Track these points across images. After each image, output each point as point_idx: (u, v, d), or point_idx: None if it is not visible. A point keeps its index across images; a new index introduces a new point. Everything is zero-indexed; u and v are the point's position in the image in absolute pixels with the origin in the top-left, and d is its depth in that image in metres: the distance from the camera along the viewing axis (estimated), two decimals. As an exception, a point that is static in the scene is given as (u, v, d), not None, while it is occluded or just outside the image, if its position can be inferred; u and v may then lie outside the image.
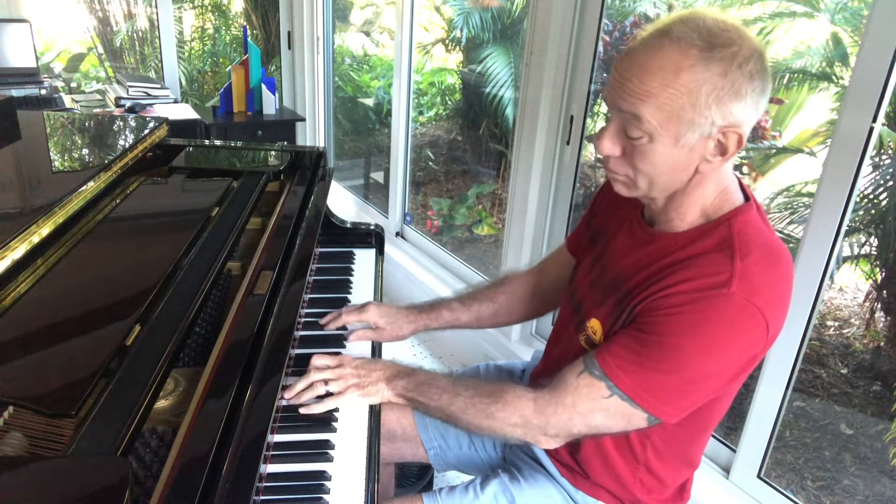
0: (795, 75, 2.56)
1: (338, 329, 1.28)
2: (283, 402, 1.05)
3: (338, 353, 1.16)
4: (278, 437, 0.98)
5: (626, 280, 0.96)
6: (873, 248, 2.48)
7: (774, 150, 2.84)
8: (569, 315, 1.11)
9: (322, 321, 1.29)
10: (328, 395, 1.06)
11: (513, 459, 1.21)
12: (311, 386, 1.06)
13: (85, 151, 1.48)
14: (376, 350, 1.28)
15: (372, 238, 1.66)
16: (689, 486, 1.14)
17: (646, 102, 0.81)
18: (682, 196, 0.91)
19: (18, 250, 0.90)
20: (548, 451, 1.13)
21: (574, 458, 1.08)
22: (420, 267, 2.89)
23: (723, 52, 0.79)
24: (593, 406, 0.92)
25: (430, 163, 4.66)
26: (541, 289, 1.32)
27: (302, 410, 1.04)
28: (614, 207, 1.09)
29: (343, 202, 3.76)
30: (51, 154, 1.42)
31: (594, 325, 1.00)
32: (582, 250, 1.18)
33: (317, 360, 1.09)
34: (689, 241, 0.91)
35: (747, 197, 0.94)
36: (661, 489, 1.07)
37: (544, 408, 0.95)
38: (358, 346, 1.26)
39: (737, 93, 0.80)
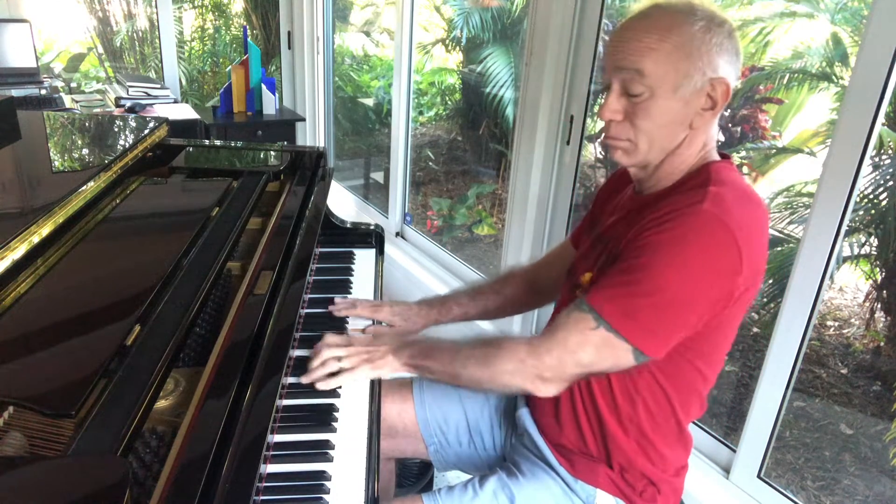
0: (795, 75, 2.56)
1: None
2: (300, 379, 1.10)
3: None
4: (278, 437, 0.98)
5: (614, 233, 1.03)
6: (873, 248, 2.48)
7: (774, 150, 2.84)
8: (567, 288, 1.17)
9: (333, 307, 1.32)
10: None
11: (512, 456, 1.22)
12: (323, 364, 1.10)
13: (85, 151, 1.48)
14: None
15: (372, 238, 1.66)
16: (682, 475, 1.14)
17: (646, 57, 0.91)
18: (673, 158, 0.99)
19: (18, 250, 0.90)
20: (547, 440, 1.14)
21: (580, 439, 1.09)
22: (420, 267, 2.89)
23: (702, 13, 0.93)
24: (582, 339, 0.95)
25: (430, 163, 4.66)
26: (540, 282, 1.37)
27: (319, 385, 1.08)
28: (611, 198, 1.18)
29: (343, 202, 3.76)
30: (51, 154, 1.42)
31: (586, 278, 1.06)
32: (583, 239, 1.24)
33: (328, 338, 1.14)
34: (671, 190, 1.00)
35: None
36: (659, 463, 1.07)
37: (537, 347, 0.99)
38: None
39: (720, 46, 0.92)
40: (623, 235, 0.98)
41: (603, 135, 1.02)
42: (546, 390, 1.01)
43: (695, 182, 0.97)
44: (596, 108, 2.44)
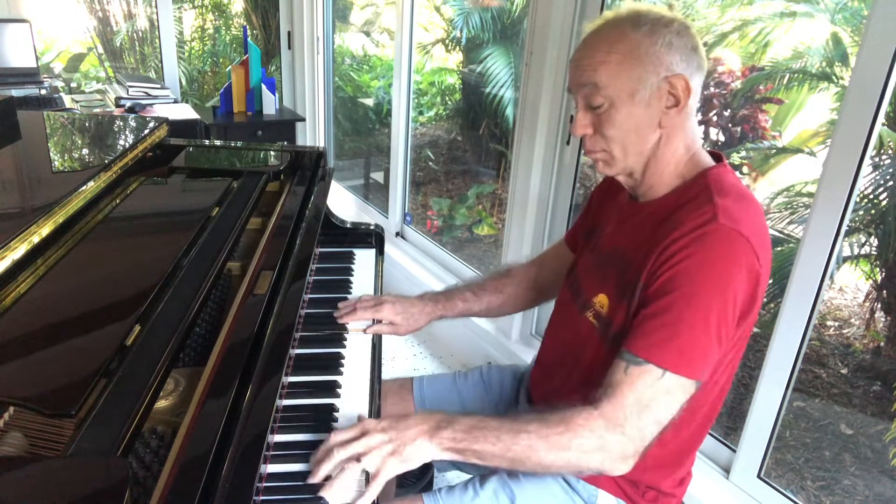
0: (795, 75, 2.56)
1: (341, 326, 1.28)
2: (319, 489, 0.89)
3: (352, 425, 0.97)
4: (278, 437, 0.98)
5: (625, 251, 1.02)
6: (873, 248, 2.48)
7: (774, 150, 2.84)
8: (569, 299, 1.15)
9: (338, 314, 1.30)
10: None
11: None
12: (341, 469, 0.89)
13: (85, 151, 1.48)
14: (376, 345, 1.28)
15: (372, 238, 1.66)
16: (686, 482, 1.13)
17: (598, 70, 0.96)
18: (656, 162, 1.01)
19: (18, 250, 0.90)
20: None
21: None
22: (420, 267, 2.89)
23: (647, 18, 0.96)
24: (654, 392, 0.90)
25: (430, 163, 4.67)
26: (540, 281, 1.38)
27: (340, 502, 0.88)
28: (606, 202, 1.18)
29: (343, 202, 3.76)
30: (51, 154, 1.42)
31: (601, 300, 1.05)
32: (580, 245, 1.24)
33: (336, 436, 0.93)
34: (671, 200, 1.00)
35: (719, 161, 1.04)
36: (663, 470, 1.07)
37: (613, 416, 0.90)
38: (358, 340, 1.26)
39: (669, 45, 0.94)
40: (640, 256, 0.97)
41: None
42: (623, 466, 0.92)
43: (695, 192, 0.97)
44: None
